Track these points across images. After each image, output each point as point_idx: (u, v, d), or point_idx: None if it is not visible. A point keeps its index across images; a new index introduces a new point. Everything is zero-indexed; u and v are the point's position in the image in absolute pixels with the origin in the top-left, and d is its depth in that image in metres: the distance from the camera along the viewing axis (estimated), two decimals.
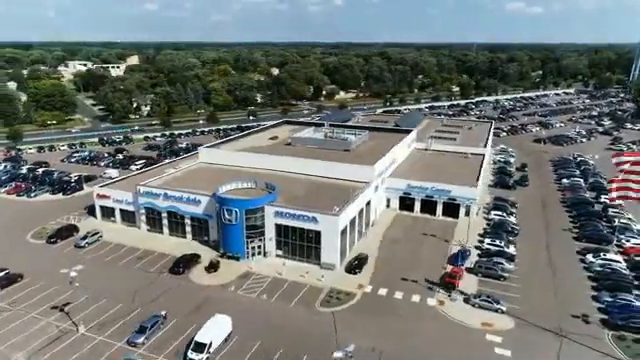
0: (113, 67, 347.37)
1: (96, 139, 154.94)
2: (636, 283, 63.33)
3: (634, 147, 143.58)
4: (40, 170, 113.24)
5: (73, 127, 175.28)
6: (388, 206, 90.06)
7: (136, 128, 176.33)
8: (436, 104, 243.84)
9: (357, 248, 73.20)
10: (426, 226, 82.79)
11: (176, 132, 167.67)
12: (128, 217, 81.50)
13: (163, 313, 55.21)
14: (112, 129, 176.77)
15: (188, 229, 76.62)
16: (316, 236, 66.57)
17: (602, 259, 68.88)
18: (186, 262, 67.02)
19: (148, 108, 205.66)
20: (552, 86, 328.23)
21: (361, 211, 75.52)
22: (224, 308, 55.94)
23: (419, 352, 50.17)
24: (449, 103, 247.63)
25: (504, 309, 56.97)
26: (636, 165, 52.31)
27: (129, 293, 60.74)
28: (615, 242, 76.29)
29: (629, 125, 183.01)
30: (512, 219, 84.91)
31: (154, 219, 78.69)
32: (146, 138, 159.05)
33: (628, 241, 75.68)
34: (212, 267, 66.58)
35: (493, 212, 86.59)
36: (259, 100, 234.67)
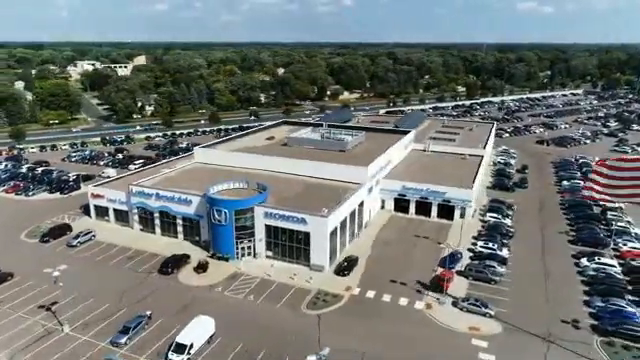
0: (120, 67, 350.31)
1: (98, 138, 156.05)
2: (630, 288, 62.11)
3: (639, 149, 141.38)
4: (39, 169, 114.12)
5: (74, 127, 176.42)
6: (383, 207, 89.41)
7: (138, 128, 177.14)
8: (440, 105, 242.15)
9: (349, 249, 72.73)
10: (420, 228, 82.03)
11: (177, 132, 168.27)
12: (121, 217, 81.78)
13: (148, 313, 55.20)
14: (115, 128, 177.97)
15: (180, 229, 76.66)
16: (305, 237, 66.22)
17: (596, 263, 67.69)
18: (175, 262, 67.02)
19: (152, 108, 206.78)
20: (559, 87, 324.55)
21: (353, 212, 74.96)
22: (210, 309, 55.83)
23: (401, 356, 49.57)
24: (453, 104, 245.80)
25: (492, 313, 56.16)
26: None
27: (117, 293, 60.83)
28: (612, 246, 74.99)
29: (635, 127, 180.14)
30: (507, 221, 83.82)
31: (146, 219, 78.86)
32: (147, 138, 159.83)
33: (625, 245, 74.36)
34: (201, 268, 66.49)
35: (489, 214, 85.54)
36: (263, 100, 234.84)
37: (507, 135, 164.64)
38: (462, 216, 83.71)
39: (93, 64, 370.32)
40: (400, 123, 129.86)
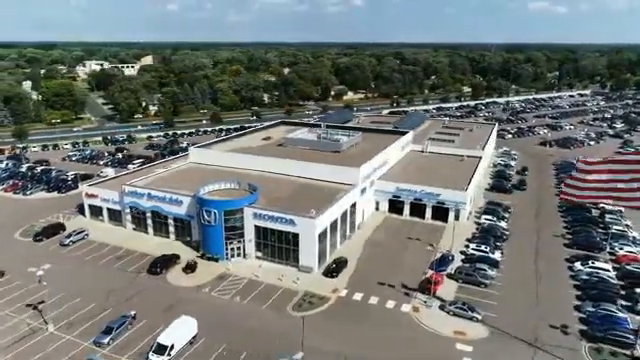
0: (127, 67, 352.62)
1: (100, 138, 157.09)
2: (623, 293, 60.97)
3: None
4: (39, 168, 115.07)
5: (75, 126, 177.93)
6: (377, 209, 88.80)
7: (139, 127, 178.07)
8: (444, 105, 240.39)
9: (339, 251, 72.25)
10: (413, 230, 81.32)
11: (179, 132, 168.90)
12: (115, 216, 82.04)
13: (132, 313, 55.21)
14: (117, 128, 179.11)
15: (171, 229, 76.70)
16: (294, 238, 65.89)
17: (590, 267, 66.54)
18: (164, 262, 67.05)
19: (156, 108, 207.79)
20: (567, 87, 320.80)
21: (345, 213, 74.49)
22: (195, 309, 55.74)
23: (382, 358, 49.04)
24: (458, 104, 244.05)
25: (479, 317, 55.38)
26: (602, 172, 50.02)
27: (104, 293, 60.95)
28: (608, 250, 73.73)
29: None
30: (503, 224, 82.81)
31: (139, 219, 79.04)
32: (149, 137, 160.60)
33: (621, 249, 73.03)
34: (189, 268, 66.46)
35: (484, 216, 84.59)
36: (266, 100, 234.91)
37: (510, 136, 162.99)
38: (457, 218, 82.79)
39: (101, 64, 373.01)
40: (399, 124, 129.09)
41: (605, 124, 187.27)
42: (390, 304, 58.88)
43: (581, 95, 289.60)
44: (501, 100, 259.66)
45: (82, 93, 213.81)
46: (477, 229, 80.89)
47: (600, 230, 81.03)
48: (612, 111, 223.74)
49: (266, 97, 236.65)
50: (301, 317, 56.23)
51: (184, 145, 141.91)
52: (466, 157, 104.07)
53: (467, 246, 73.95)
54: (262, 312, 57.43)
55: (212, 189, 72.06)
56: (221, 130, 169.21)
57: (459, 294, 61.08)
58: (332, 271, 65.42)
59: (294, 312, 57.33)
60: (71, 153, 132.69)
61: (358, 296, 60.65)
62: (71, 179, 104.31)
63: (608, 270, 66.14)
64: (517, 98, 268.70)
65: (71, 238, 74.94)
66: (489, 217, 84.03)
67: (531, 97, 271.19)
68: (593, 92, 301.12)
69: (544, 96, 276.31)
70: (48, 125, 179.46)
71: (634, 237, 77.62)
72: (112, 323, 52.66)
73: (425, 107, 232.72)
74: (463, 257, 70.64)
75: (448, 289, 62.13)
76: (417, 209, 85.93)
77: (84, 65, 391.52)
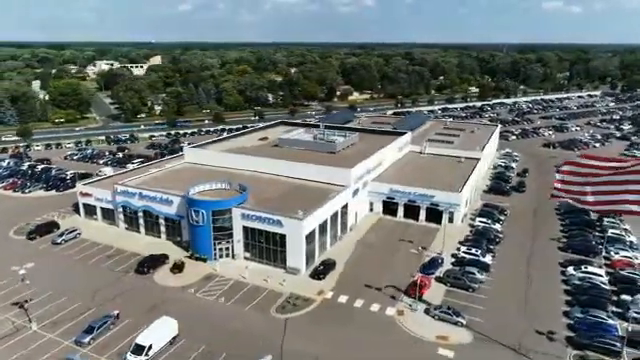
0: (136, 67, 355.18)
1: (104, 137, 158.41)
2: (615, 299, 59.60)
3: None
4: (40, 167, 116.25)
5: (79, 126, 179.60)
6: (372, 210, 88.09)
7: (142, 127, 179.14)
8: (450, 106, 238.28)
9: (329, 252, 71.72)
10: (406, 232, 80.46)
11: (181, 131, 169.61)
12: (108, 215, 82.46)
13: (115, 313, 55.30)
14: (121, 127, 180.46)
15: (162, 229, 76.86)
16: (281, 240, 65.56)
17: (583, 272, 65.13)
18: (152, 262, 67.15)
19: (160, 107, 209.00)
20: (576, 88, 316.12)
21: (335, 215, 73.97)
22: (179, 310, 55.85)
23: None
24: (463, 105, 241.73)
25: (464, 322, 54.48)
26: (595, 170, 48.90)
27: (90, 292, 61.19)
28: (603, 254, 72.20)
29: None
30: (497, 226, 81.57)
31: (131, 218, 79.35)
32: (151, 137, 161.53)
33: (617, 253, 71.41)
34: (176, 268, 66.45)
35: (478, 219, 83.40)
36: (271, 100, 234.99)
37: (514, 138, 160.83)
38: (451, 220, 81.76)
39: (111, 64, 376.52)
40: (399, 124, 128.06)
41: (612, 126, 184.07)
42: (375, 307, 58.24)
43: (590, 96, 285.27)
44: (509, 101, 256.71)
45: (88, 93, 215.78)
46: (471, 231, 79.84)
47: (597, 234, 79.44)
48: (621, 112, 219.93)
49: (271, 97, 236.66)
50: (284, 319, 55.88)
51: (185, 145, 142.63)
52: (464, 159, 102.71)
53: (459, 249, 72.98)
54: (245, 313, 57.18)
55: (202, 189, 71.99)
56: (223, 130, 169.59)
57: (447, 298, 60.25)
58: (319, 273, 64.93)
59: (277, 314, 56.97)
60: (79, 152, 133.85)
61: (343, 299, 60.10)
62: (69, 178, 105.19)
63: (601, 275, 64.66)
64: (525, 99, 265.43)
65: (63, 237, 75.49)
66: (484, 219, 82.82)
67: (539, 98, 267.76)
68: (603, 93, 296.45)
69: (552, 97, 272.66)
70: (53, 124, 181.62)
71: (631, 242, 75.92)
72: (94, 322, 52.82)
73: (430, 108, 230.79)
74: (453, 260, 69.66)
75: (436, 292, 61.29)
76: (411, 211, 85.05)
77: (94, 65, 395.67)
